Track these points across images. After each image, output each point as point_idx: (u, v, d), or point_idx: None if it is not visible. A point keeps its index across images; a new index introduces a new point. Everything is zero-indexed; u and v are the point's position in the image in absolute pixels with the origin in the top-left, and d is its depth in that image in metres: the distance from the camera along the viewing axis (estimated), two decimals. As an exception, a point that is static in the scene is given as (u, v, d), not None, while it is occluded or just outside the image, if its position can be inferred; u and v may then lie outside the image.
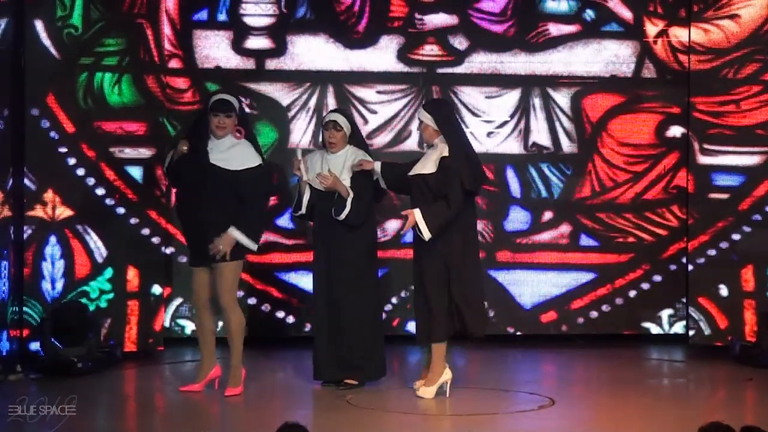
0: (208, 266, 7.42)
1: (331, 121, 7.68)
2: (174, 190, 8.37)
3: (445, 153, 7.31)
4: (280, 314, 9.34)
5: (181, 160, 7.40)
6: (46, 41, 8.50)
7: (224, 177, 7.33)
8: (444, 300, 7.36)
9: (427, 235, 7.23)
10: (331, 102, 9.31)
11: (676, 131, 9.52)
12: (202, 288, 7.49)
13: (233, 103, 7.45)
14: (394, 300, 9.36)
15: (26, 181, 8.46)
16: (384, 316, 9.07)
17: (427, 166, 7.37)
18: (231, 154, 7.38)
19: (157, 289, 8.79)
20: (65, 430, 6.48)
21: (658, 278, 9.53)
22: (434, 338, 7.39)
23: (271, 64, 9.34)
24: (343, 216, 7.51)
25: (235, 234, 7.31)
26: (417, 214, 7.24)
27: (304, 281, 9.22)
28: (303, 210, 7.70)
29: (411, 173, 7.43)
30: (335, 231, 7.59)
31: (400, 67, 9.42)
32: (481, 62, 9.46)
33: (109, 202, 8.65)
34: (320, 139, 7.96)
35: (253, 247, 7.43)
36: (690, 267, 9.25)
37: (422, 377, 7.56)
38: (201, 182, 7.34)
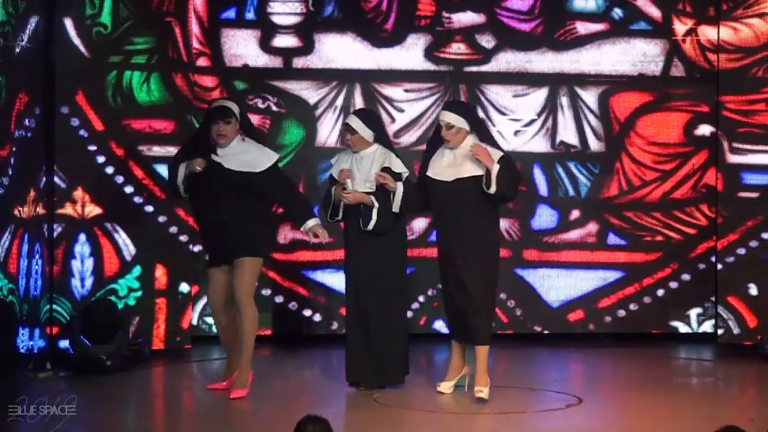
0: (227, 265, 7.44)
1: (344, 124, 7.71)
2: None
3: (500, 153, 7.26)
4: (307, 312, 9.35)
5: (194, 173, 7.36)
6: (76, 39, 8.55)
7: (249, 180, 7.34)
8: (491, 302, 7.34)
9: (494, 188, 7.15)
10: (359, 100, 9.31)
11: (704, 130, 9.48)
12: (220, 289, 7.51)
13: (232, 108, 7.42)
14: (421, 299, 9.35)
15: (56, 179, 8.52)
16: (411, 314, 9.10)
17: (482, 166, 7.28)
18: (249, 157, 7.37)
19: (184, 287, 8.82)
20: (94, 428, 6.50)
21: (686, 277, 9.48)
22: (482, 340, 7.35)
23: (299, 62, 9.35)
24: (370, 227, 7.51)
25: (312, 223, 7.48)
26: (495, 165, 7.15)
27: (331, 279, 9.23)
28: (340, 216, 7.69)
29: (464, 175, 7.28)
30: (364, 234, 7.57)
31: (428, 66, 9.42)
32: (508, 61, 9.44)
33: (137, 200, 8.69)
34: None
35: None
36: (719, 266, 9.20)
37: (448, 377, 7.55)
38: (223, 188, 7.34)
